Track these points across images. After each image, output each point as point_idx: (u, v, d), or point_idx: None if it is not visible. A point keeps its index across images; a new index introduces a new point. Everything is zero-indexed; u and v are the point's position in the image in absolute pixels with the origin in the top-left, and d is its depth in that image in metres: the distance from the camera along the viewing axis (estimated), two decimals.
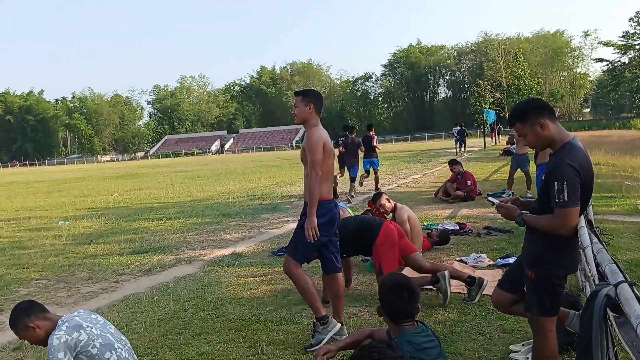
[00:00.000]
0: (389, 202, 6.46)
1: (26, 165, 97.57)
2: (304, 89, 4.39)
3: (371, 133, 14.48)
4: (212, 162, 52.15)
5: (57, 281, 6.67)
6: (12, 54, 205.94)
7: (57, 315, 3.13)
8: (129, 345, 3.22)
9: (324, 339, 3.98)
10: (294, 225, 9.64)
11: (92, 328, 3.03)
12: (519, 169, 11.44)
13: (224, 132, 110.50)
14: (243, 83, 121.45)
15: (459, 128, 32.28)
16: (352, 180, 13.48)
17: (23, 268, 7.50)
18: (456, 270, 5.19)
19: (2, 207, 17.34)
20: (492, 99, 74.98)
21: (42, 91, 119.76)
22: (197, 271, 6.72)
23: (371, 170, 14.48)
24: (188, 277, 6.42)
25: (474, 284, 4.77)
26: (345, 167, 13.95)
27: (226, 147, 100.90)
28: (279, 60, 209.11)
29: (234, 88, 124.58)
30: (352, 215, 7.02)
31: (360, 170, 14.11)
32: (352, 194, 13.21)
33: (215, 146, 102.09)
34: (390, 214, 6.42)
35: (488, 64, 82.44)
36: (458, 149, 31.70)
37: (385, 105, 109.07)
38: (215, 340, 4.28)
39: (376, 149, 14.26)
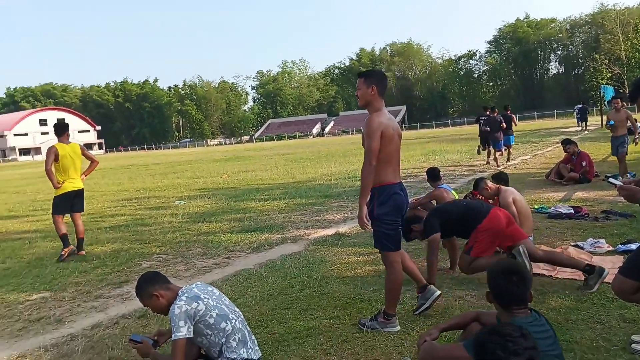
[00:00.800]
0: (489, 187, 6.19)
1: (144, 149, 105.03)
2: (366, 70, 4.25)
3: (509, 112, 16.63)
4: (314, 144, 53.01)
5: (175, 256, 7.17)
6: (128, 46, 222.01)
7: (177, 286, 3.37)
8: (242, 316, 3.40)
9: (376, 328, 4.00)
10: None
11: (208, 299, 3.23)
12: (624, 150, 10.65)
13: (325, 115, 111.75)
14: (342, 66, 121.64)
15: (580, 106, 33.29)
16: (499, 151, 15.63)
17: (145, 243, 8.13)
18: (573, 258, 4.90)
19: (125, 187, 18.85)
20: (609, 74, 69.37)
21: (156, 79, 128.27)
22: (302, 250, 6.92)
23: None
24: (294, 255, 6.63)
25: (593, 272, 4.47)
26: (489, 143, 15.96)
27: (327, 129, 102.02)
28: (378, 41, 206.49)
29: (333, 71, 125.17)
30: (457, 198, 6.87)
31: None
32: (498, 163, 15.42)
33: (316, 129, 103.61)
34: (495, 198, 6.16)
35: (605, 37, 76.18)
36: (581, 127, 32.33)
37: (490, 83, 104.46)
38: (321, 316, 4.40)
39: (514, 125, 16.66)
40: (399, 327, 4.04)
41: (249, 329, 3.42)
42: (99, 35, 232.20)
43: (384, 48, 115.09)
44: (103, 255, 7.46)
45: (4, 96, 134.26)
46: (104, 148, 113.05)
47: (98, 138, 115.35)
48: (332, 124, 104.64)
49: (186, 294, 3.21)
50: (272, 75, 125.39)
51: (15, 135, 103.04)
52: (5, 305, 5.50)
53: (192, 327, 3.12)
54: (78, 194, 7.73)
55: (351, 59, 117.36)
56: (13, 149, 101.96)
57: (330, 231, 7.95)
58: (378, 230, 3.95)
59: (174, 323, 3.10)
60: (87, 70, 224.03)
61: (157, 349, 3.43)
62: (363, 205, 3.84)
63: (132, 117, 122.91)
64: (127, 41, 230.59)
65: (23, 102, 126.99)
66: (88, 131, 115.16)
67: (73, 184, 7.60)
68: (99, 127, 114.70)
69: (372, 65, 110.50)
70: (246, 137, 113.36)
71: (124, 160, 51.25)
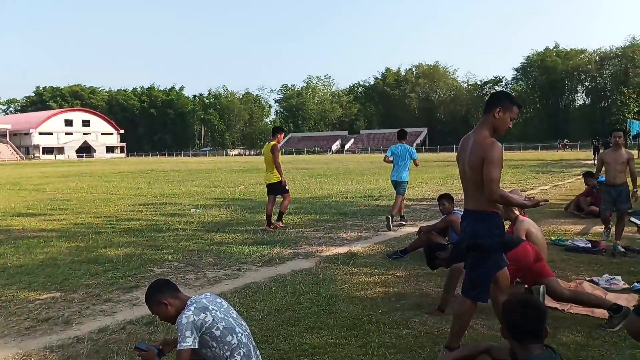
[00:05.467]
0: (513, 212, 6.08)
1: (165, 155, 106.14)
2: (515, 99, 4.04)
3: None
4: (332, 161, 53.07)
5: (187, 264, 7.20)
6: (157, 51, 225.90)
7: (187, 296, 3.37)
8: (248, 330, 3.38)
9: None
10: (410, 229, 9.50)
11: (216, 311, 3.23)
12: None
13: (345, 132, 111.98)
14: (367, 84, 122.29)
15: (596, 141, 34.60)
16: None
17: (158, 249, 8.17)
18: (599, 297, 4.82)
19: (143, 192, 19.04)
20: (637, 109, 68.46)
21: (182, 87, 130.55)
22: (313, 266, 6.90)
23: None
24: (304, 272, 6.61)
25: (620, 311, 4.36)
26: None
27: (346, 147, 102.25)
28: (404, 62, 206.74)
29: (357, 89, 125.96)
30: None
31: None
32: None
33: (335, 146, 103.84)
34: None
35: (634, 71, 75.39)
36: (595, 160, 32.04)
37: None
38: (327, 335, 4.37)
39: None
40: None
41: (254, 343, 3.40)
42: (129, 39, 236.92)
43: (410, 69, 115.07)
44: (115, 258, 7.52)
45: (33, 95, 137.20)
46: (126, 152, 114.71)
47: (121, 141, 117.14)
48: (352, 141, 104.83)
49: (195, 304, 3.22)
50: (296, 89, 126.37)
51: (40, 133, 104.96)
52: (15, 303, 5.55)
53: (198, 338, 3.12)
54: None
55: (376, 78, 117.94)
56: (37, 147, 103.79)
57: (342, 249, 7.93)
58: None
59: (180, 333, 3.10)
60: (116, 74, 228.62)
61: (162, 358, 3.43)
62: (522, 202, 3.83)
63: (155, 122, 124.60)
64: (156, 47, 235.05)
65: (51, 101, 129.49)
66: (112, 134, 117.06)
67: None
68: (122, 131, 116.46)
69: (397, 85, 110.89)
70: None
71: (144, 165, 51.84)
